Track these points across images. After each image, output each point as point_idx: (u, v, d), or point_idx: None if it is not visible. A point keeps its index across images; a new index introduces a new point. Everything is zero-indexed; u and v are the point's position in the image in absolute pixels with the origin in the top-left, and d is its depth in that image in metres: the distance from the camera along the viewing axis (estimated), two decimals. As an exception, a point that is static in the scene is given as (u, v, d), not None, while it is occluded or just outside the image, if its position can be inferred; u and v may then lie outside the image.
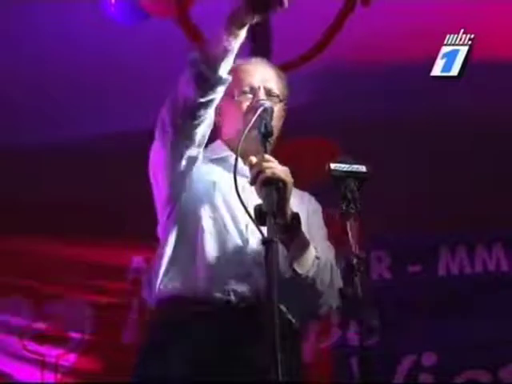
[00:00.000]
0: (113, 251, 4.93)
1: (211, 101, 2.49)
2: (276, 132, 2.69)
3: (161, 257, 2.63)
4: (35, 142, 4.81)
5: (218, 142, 2.81)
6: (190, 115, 2.51)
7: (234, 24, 2.39)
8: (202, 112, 2.50)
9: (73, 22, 4.61)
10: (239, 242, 2.58)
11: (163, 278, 2.59)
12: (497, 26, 4.41)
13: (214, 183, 2.66)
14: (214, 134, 2.78)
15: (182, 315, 2.53)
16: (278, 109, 2.71)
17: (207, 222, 2.60)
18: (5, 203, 4.77)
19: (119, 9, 4.65)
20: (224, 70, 2.45)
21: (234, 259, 2.56)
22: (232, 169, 2.42)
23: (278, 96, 2.74)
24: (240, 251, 2.56)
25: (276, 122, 2.69)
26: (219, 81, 2.46)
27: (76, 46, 4.65)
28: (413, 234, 4.82)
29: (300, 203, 2.72)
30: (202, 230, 2.59)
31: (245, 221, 2.57)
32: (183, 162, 2.60)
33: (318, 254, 2.54)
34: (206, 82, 2.45)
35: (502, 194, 4.69)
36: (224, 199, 2.63)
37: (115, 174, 4.69)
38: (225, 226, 2.60)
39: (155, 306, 2.62)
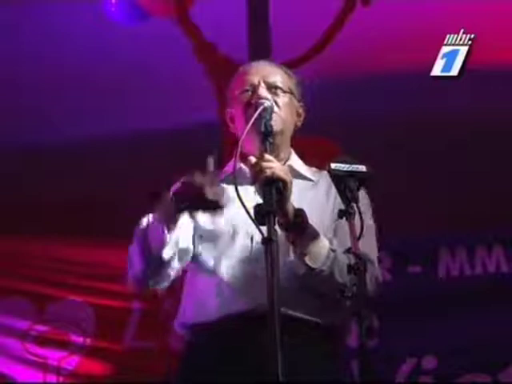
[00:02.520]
0: (114, 252, 4.92)
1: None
2: (289, 126, 2.64)
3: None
4: (35, 141, 4.81)
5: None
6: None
7: (165, 220, 2.41)
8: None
9: (73, 22, 4.62)
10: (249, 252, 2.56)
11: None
12: (497, 26, 4.43)
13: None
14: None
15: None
16: (284, 102, 2.63)
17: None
18: (5, 203, 4.77)
19: (119, 9, 4.66)
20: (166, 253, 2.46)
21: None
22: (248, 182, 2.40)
23: (281, 88, 2.64)
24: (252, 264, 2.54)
25: (287, 116, 2.63)
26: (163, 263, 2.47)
27: (76, 46, 4.67)
28: (413, 234, 4.82)
29: (325, 201, 2.62)
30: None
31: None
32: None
33: (332, 246, 2.50)
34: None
35: (502, 194, 4.70)
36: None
37: (117, 173, 4.70)
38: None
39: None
